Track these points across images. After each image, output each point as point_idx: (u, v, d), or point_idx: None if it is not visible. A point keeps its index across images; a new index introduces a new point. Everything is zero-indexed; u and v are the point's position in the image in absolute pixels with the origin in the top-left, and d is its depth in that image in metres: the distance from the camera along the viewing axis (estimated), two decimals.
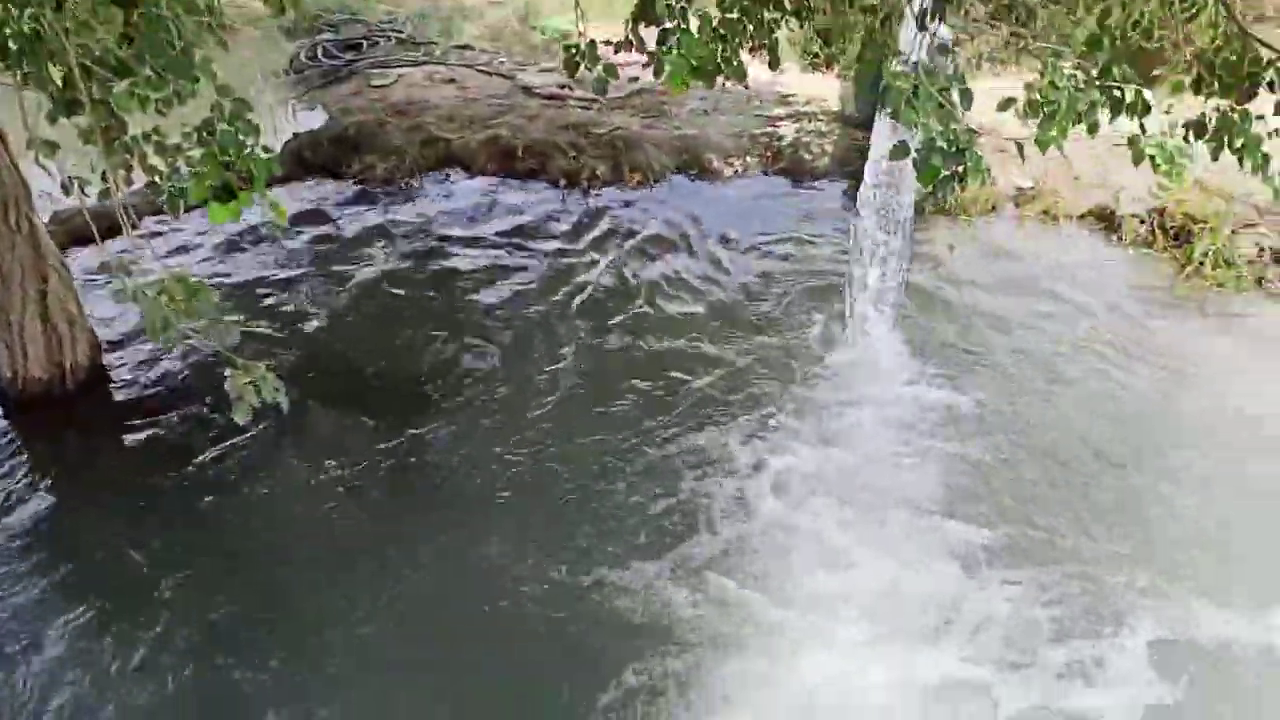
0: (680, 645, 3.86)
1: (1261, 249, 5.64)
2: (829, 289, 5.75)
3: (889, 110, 3.09)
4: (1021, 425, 4.87)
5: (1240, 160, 3.50)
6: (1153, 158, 3.08)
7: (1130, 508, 4.42)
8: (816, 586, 4.10)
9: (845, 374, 5.21)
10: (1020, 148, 3.49)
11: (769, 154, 6.85)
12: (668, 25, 3.67)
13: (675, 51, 3.42)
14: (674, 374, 5.19)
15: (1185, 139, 3.67)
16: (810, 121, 7.05)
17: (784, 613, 4.01)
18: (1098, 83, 3.31)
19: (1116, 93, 3.34)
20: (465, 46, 8.99)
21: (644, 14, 3.83)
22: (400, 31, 9.06)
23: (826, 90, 7.50)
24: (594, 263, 6.04)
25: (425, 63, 8.60)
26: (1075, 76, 3.25)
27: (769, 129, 6.96)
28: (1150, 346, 5.35)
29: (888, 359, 5.30)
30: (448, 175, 6.93)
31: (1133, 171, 3.51)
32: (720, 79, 3.81)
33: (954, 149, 3.06)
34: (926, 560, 4.19)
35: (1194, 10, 3.61)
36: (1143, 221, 6.01)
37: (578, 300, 5.77)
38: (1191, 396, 5.02)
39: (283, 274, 5.86)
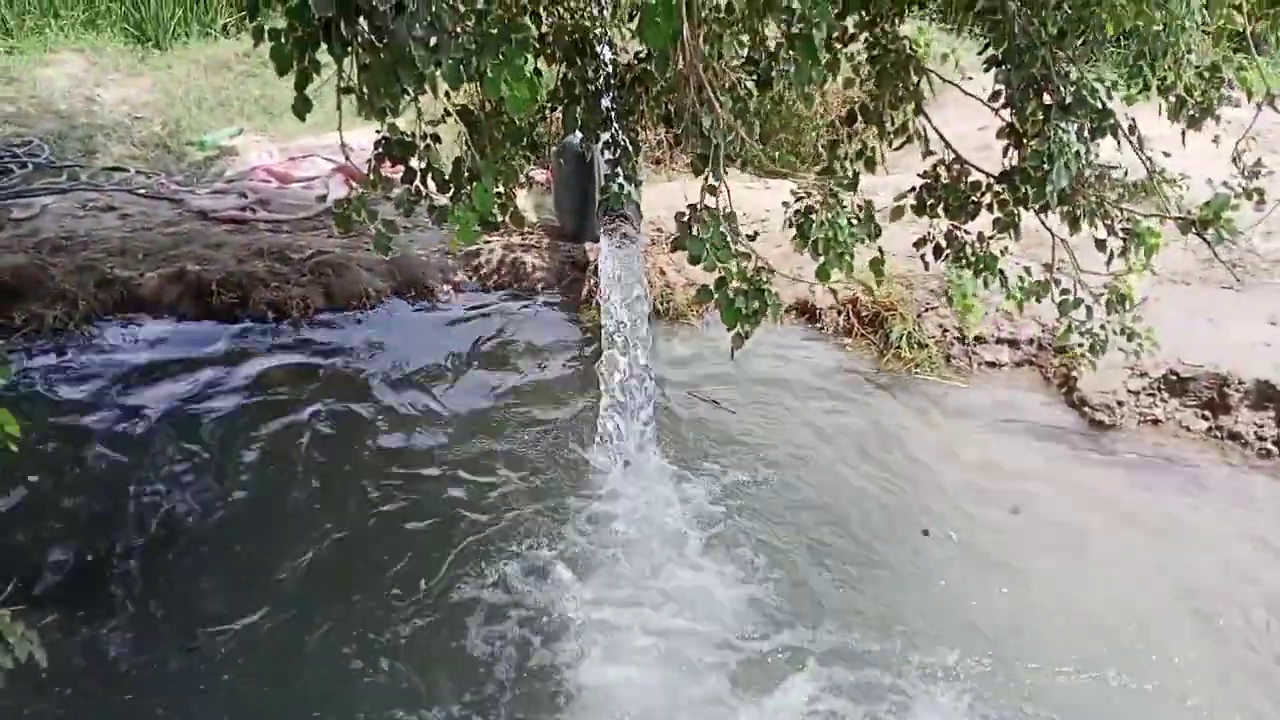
0: None
1: (944, 330, 6.30)
2: (580, 395, 5.85)
3: (689, 256, 3.15)
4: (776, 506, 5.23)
5: (978, 275, 3.91)
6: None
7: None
8: None
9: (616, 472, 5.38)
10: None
11: (484, 271, 6.77)
12: (435, 170, 3.55)
13: (467, 206, 3.28)
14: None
15: (922, 259, 4.05)
16: (514, 234, 7.04)
17: None
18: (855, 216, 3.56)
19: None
20: (117, 168, 8.19)
21: (389, 153, 3.66)
22: (37, 155, 8.11)
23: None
24: (323, 403, 5.67)
25: (74, 189, 7.74)
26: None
27: (476, 244, 6.87)
28: (867, 429, 5.82)
29: (650, 464, 5.45)
30: (131, 319, 6.22)
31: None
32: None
33: (754, 288, 3.16)
34: None
35: (905, 139, 3.96)
36: (840, 312, 6.53)
37: (318, 445, 5.40)
38: (915, 472, 5.50)
39: None
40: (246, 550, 4.81)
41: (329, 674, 4.19)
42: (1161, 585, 4.84)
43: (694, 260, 3.20)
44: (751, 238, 3.27)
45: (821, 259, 3.31)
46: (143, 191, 7.79)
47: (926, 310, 6.39)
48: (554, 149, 7.03)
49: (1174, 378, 5.82)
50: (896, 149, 4.03)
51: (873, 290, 6.15)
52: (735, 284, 3.17)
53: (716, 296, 3.22)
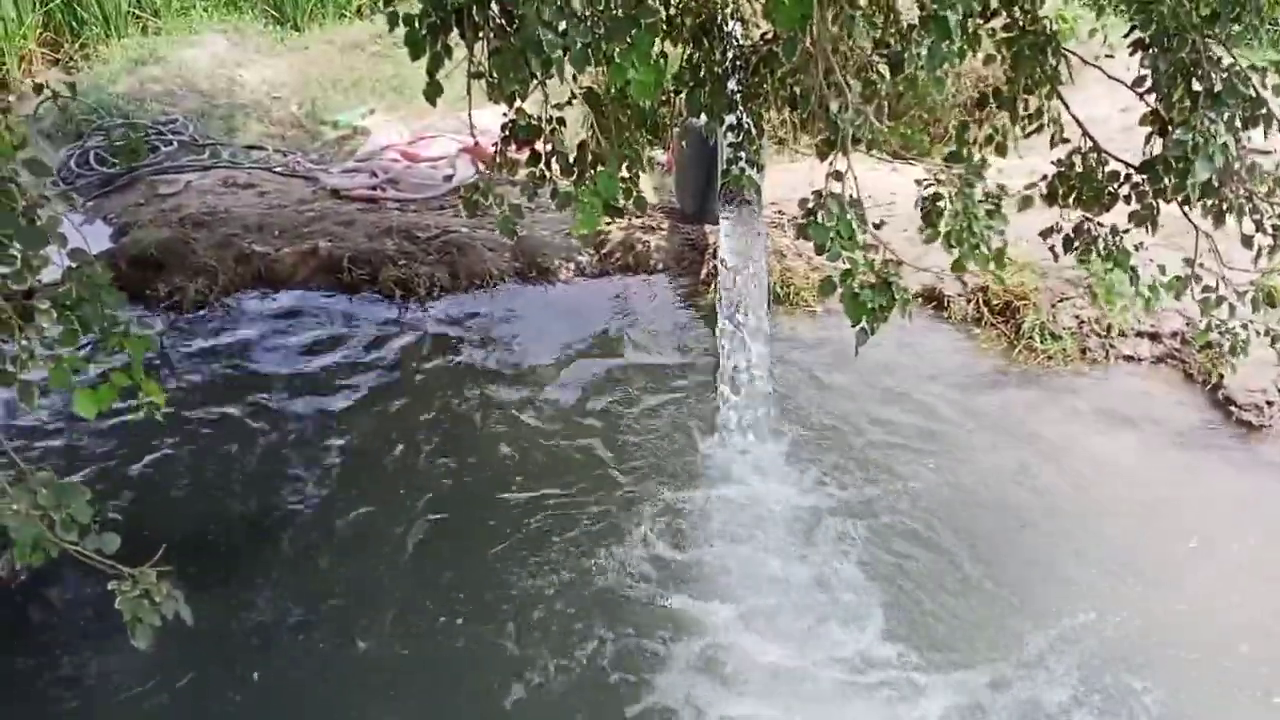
0: None
1: (1081, 320, 6.05)
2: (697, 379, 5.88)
3: (813, 245, 3.09)
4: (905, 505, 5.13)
5: (1108, 272, 3.74)
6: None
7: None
8: None
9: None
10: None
11: (604, 252, 6.81)
12: (560, 153, 3.56)
13: (591, 191, 3.28)
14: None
15: (1051, 250, 3.89)
16: (635, 217, 7.03)
17: None
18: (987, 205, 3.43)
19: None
20: (256, 146, 8.48)
21: (514, 136, 3.67)
22: (181, 133, 8.44)
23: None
24: (445, 378, 5.82)
25: (215, 166, 8.06)
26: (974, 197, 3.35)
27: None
28: (994, 424, 5.64)
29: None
30: (266, 294, 6.47)
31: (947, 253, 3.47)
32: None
33: (882, 281, 3.07)
34: None
35: (1038, 125, 3.80)
36: (968, 300, 6.34)
37: (439, 418, 5.54)
38: (1051, 470, 5.32)
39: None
40: (360, 514, 5.00)
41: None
42: None
43: (819, 250, 3.12)
44: (878, 226, 3.17)
45: (956, 252, 3.20)
46: (279, 169, 8.06)
47: (1061, 300, 6.15)
48: (676, 131, 7.00)
49: None
50: (1027, 136, 3.88)
51: (1002, 279, 5.95)
52: (861, 276, 3.08)
53: (841, 289, 3.14)
